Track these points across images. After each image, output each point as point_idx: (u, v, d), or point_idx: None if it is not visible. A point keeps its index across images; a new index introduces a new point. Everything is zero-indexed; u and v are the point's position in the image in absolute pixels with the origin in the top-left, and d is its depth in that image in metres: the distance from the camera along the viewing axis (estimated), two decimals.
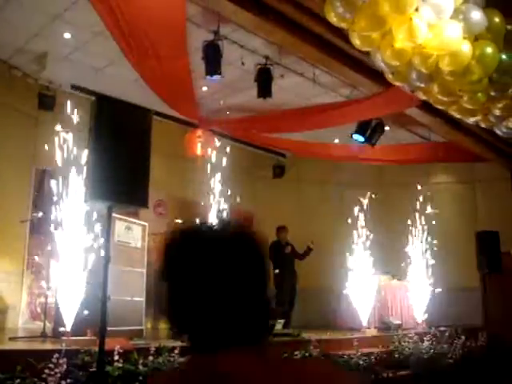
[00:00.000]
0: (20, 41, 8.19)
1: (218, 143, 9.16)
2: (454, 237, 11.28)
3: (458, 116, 6.94)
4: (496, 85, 5.89)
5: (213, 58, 7.59)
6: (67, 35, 8.07)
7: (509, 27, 5.60)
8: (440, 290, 10.03)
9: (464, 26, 5.19)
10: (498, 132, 7.33)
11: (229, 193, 8.36)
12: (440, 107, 6.82)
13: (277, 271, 9.80)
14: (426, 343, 7.93)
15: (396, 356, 7.58)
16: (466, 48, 5.31)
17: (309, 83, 9.07)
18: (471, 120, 7.00)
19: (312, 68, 8.65)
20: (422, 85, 5.94)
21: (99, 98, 4.52)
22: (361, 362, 6.46)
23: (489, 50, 5.45)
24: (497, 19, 5.49)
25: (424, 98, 6.59)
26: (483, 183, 12.39)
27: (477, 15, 5.24)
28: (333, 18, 5.25)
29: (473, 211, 12.27)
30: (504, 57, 5.60)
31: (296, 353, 5.97)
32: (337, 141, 11.81)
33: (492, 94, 6.06)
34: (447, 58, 5.32)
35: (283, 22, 6.37)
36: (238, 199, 8.84)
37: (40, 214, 7.60)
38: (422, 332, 8.83)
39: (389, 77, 6.10)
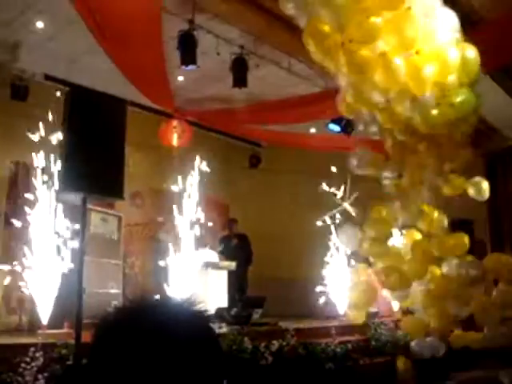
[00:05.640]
0: None
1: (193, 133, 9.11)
2: None
3: None
4: None
5: (188, 48, 7.52)
6: (40, 24, 7.94)
7: None
8: None
9: None
10: None
11: (204, 183, 8.31)
12: None
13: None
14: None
15: (373, 343, 7.68)
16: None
17: (284, 73, 9.05)
18: None
19: (287, 58, 8.63)
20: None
21: (73, 89, 4.46)
22: (338, 350, 6.51)
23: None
24: None
25: None
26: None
27: None
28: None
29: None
30: None
31: (274, 342, 5.99)
32: (313, 130, 11.83)
33: None
34: None
35: (256, 10, 6.34)
36: (214, 189, 8.81)
37: (15, 207, 7.51)
38: (398, 319, 8.92)
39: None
